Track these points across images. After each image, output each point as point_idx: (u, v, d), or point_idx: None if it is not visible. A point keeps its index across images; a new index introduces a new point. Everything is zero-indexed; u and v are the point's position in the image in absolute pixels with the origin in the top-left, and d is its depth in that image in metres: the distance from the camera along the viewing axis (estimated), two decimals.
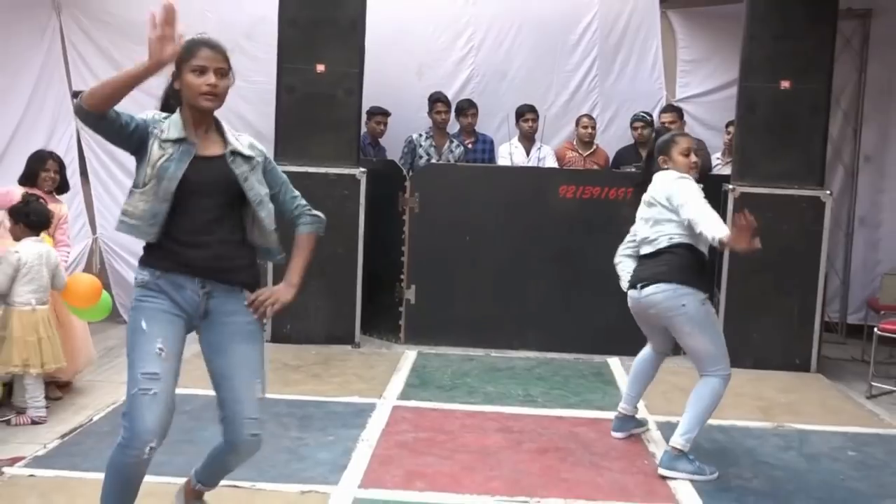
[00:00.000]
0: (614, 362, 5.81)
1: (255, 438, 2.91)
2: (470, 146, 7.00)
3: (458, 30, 7.44)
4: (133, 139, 2.78)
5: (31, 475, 3.62)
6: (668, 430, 4.49)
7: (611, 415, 4.74)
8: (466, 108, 7.00)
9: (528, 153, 6.93)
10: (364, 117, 6.62)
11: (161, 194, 2.77)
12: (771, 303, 5.91)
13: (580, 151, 6.99)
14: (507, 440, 4.28)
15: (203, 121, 2.86)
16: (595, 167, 6.89)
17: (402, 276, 6.26)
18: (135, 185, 2.82)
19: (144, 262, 2.86)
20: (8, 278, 4.35)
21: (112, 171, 6.94)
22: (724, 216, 5.95)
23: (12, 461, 3.78)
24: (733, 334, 5.92)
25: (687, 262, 3.97)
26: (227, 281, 2.87)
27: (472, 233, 6.17)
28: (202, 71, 2.76)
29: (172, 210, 2.79)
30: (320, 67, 6.05)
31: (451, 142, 6.92)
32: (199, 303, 2.85)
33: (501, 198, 6.18)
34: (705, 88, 7.62)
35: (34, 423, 4.37)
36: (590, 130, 6.97)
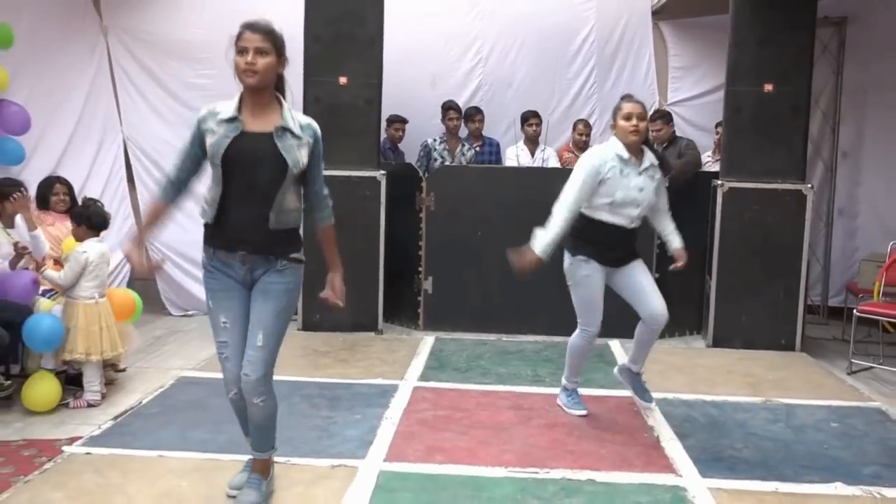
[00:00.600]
0: (614, 344, 5.79)
1: (247, 378, 2.97)
2: (477, 149, 7.00)
3: (467, 44, 7.42)
4: (202, 152, 2.95)
5: (88, 453, 3.64)
6: (664, 405, 4.49)
7: (612, 392, 4.74)
8: (473, 115, 7.00)
9: (532, 155, 6.92)
10: (384, 124, 6.60)
11: (216, 175, 2.91)
12: (758, 288, 5.88)
13: (576, 153, 6.98)
14: (518, 416, 4.28)
15: (257, 99, 2.93)
16: None
17: (420, 269, 6.25)
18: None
19: (204, 241, 3.05)
20: (76, 275, 4.39)
21: (157, 178, 6.92)
22: (713, 209, 5.94)
23: (71, 440, 3.81)
24: (724, 317, 5.95)
25: (578, 230, 4.07)
26: (263, 253, 2.98)
27: (483, 228, 6.15)
28: (243, 51, 2.85)
29: (225, 190, 2.91)
30: (343, 80, 6.05)
31: (463, 145, 6.92)
32: (244, 276, 3.02)
33: (509, 196, 6.15)
34: (695, 93, 7.59)
35: (90, 406, 4.39)
36: (584, 138, 6.92)
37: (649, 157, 4.08)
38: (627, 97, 4.12)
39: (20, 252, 4.52)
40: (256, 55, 2.83)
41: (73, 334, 4.37)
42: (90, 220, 4.52)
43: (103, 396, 4.50)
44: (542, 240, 3.95)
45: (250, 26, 2.87)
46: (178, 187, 3.04)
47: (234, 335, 3.03)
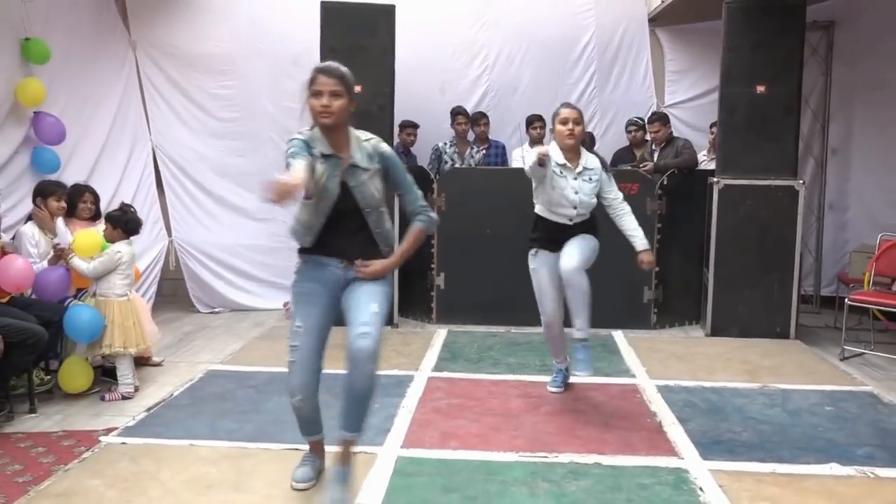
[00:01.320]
0: (618, 334, 5.76)
1: (364, 344, 2.81)
2: (484, 151, 6.97)
3: (474, 52, 7.40)
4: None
5: (123, 443, 3.65)
6: (665, 392, 4.47)
7: (615, 380, 4.71)
8: (479, 119, 6.97)
9: None
10: (396, 130, 6.60)
11: (321, 208, 2.91)
12: (754, 279, 5.83)
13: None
14: (527, 404, 4.26)
15: (333, 137, 2.93)
16: None
17: (433, 266, 6.24)
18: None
19: (299, 252, 3.07)
20: (105, 270, 4.44)
21: (184, 183, 6.97)
22: (710, 205, 5.90)
23: (107, 431, 3.82)
24: (722, 307, 5.92)
25: (533, 227, 4.22)
26: (360, 258, 3.01)
27: (492, 226, 6.13)
28: (318, 94, 2.86)
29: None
30: (358, 88, 5.94)
31: (472, 148, 6.90)
32: (339, 275, 3.01)
33: (516, 195, 6.08)
34: (690, 95, 7.56)
35: (124, 398, 4.41)
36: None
37: (587, 160, 4.08)
38: (565, 104, 4.17)
39: (59, 253, 4.54)
40: (331, 98, 2.86)
41: (109, 329, 4.40)
42: (127, 224, 4.57)
43: (136, 389, 4.51)
44: None
45: (325, 71, 2.89)
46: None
47: (306, 341, 2.98)
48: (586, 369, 4.10)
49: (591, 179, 4.08)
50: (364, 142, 3.04)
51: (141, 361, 4.87)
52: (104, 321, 4.39)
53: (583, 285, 3.98)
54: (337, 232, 2.97)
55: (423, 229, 3.11)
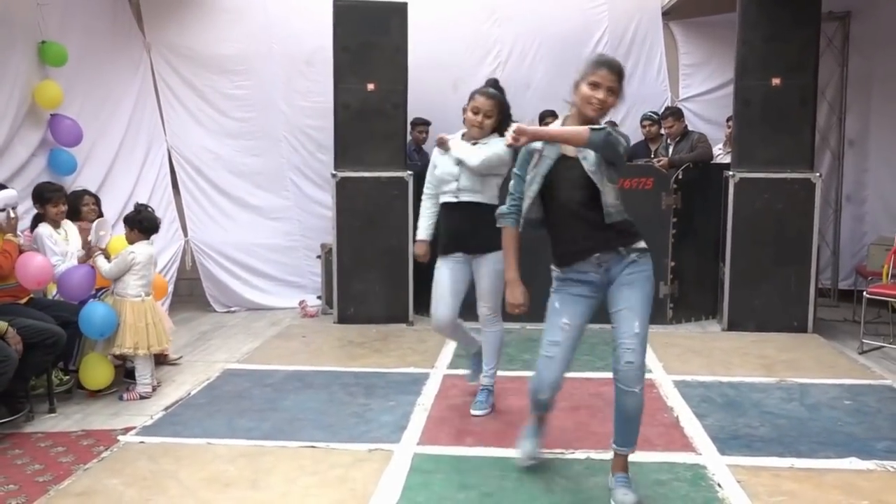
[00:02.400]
0: None
1: (630, 365, 2.84)
2: None
3: (486, 48, 7.38)
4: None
5: (141, 441, 3.68)
6: (682, 387, 4.44)
7: None
8: None
9: None
10: (409, 128, 6.59)
11: (533, 196, 3.00)
12: (770, 273, 5.79)
13: None
14: None
15: (585, 123, 2.92)
16: None
17: None
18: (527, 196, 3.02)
19: (553, 262, 3.12)
20: (120, 271, 4.45)
21: (199, 183, 7.01)
22: (726, 198, 5.85)
23: (126, 430, 3.85)
24: (738, 302, 5.87)
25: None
26: (611, 249, 2.95)
27: None
28: (596, 86, 2.88)
29: (547, 212, 3.02)
30: (371, 86, 6.04)
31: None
32: (600, 277, 2.97)
33: None
34: (705, 88, 7.51)
35: (142, 398, 4.43)
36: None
37: (491, 141, 3.86)
38: (481, 91, 3.89)
39: (90, 251, 4.59)
40: (608, 94, 2.89)
41: (122, 329, 4.41)
42: (141, 224, 4.58)
43: (155, 388, 4.54)
44: None
45: (608, 65, 2.92)
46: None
47: (567, 338, 3.02)
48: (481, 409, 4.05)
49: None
50: None
51: (159, 360, 4.89)
52: (118, 319, 4.42)
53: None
54: (567, 227, 3.03)
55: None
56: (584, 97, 2.90)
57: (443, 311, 3.96)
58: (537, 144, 2.98)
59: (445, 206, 3.95)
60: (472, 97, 3.89)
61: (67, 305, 4.53)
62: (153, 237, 4.69)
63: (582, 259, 2.97)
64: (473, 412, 4.03)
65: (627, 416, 2.94)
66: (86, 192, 5.17)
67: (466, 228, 3.86)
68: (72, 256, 4.67)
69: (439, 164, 3.94)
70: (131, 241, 4.57)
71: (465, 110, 5.85)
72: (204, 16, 6.93)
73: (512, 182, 3.13)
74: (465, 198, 3.86)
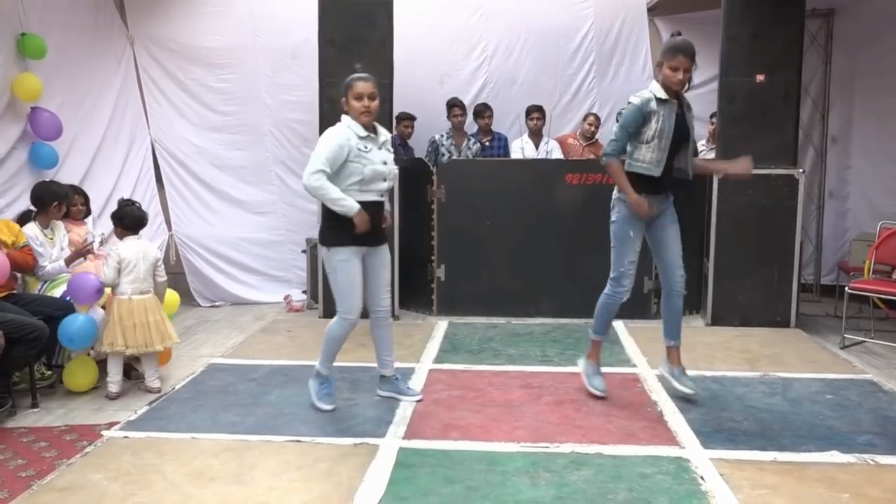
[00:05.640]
0: (619, 325, 5.76)
1: (683, 277, 4.11)
2: (487, 144, 6.95)
3: (473, 43, 7.39)
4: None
5: (125, 436, 3.66)
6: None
7: (616, 370, 4.72)
8: (483, 111, 6.94)
9: (537, 147, 6.88)
10: (394, 122, 6.58)
11: (663, 146, 3.89)
12: (754, 268, 5.84)
13: (581, 142, 6.98)
14: (528, 395, 4.27)
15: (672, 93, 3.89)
16: (592, 156, 6.83)
17: (433, 257, 6.24)
18: (640, 142, 3.91)
19: (636, 188, 3.93)
20: (113, 271, 4.34)
21: (183, 177, 6.97)
22: (710, 194, 5.90)
23: (109, 425, 3.83)
24: (722, 297, 5.93)
25: (330, 218, 3.85)
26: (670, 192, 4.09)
27: (492, 218, 6.13)
28: (676, 69, 3.78)
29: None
30: None
31: (469, 140, 6.88)
32: (661, 208, 4.05)
33: (515, 187, 6.13)
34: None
35: (107, 398, 4.36)
36: (593, 129, 6.95)
37: (383, 132, 3.96)
38: (359, 76, 3.86)
39: (85, 250, 4.54)
40: (685, 74, 3.78)
41: (109, 326, 4.34)
42: (122, 220, 4.50)
43: (160, 389, 4.46)
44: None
45: (685, 51, 3.76)
46: None
47: (637, 259, 4.04)
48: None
49: (391, 150, 3.99)
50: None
51: (132, 374, 4.71)
52: (95, 331, 4.33)
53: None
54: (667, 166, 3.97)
55: None
56: (668, 77, 3.81)
57: (359, 305, 3.98)
58: (654, 105, 3.84)
59: (368, 203, 3.83)
60: (347, 88, 3.88)
61: (50, 301, 4.48)
62: (142, 232, 4.63)
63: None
64: (416, 398, 4.13)
65: (679, 313, 4.14)
66: (75, 189, 5.12)
67: (376, 224, 3.90)
68: (57, 258, 4.63)
69: (369, 165, 3.81)
70: (120, 237, 4.52)
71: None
72: (188, 8, 6.89)
73: (619, 133, 3.94)
74: (385, 198, 4.01)
